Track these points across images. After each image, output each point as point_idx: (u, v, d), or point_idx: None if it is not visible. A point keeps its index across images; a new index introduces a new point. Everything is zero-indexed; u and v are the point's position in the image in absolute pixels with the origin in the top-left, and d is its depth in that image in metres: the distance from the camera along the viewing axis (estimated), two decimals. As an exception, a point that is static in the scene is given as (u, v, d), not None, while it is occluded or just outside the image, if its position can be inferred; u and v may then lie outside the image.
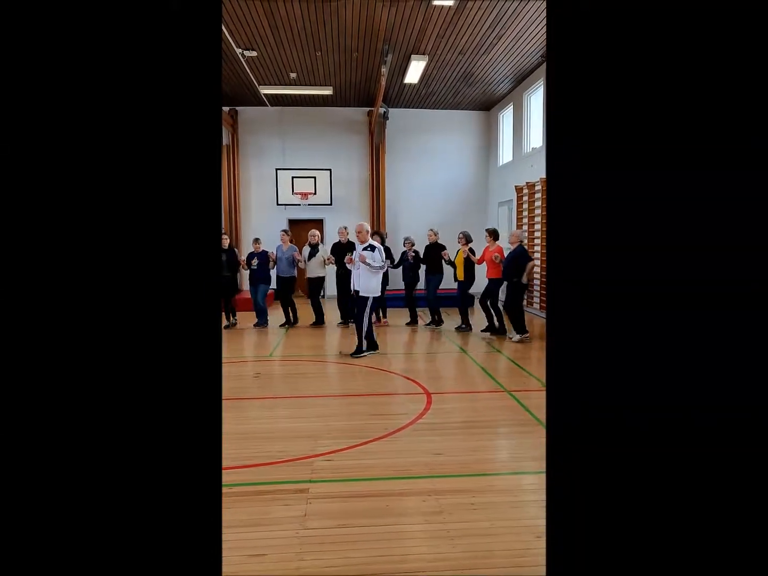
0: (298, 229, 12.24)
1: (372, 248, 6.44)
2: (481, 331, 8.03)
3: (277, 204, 12.53)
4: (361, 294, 6.46)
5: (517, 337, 7.37)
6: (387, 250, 8.65)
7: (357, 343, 6.55)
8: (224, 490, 2.93)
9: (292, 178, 12.39)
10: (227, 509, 2.71)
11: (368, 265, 6.35)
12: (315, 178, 12.43)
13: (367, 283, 6.42)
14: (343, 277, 8.33)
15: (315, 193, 12.43)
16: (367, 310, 6.43)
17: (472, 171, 13.39)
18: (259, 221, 12.55)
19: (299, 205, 12.48)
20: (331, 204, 12.57)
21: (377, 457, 3.40)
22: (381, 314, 8.94)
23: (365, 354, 6.50)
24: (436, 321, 8.64)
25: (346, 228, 8.76)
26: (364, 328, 6.47)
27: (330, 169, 12.55)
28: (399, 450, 3.51)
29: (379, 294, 6.69)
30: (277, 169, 12.45)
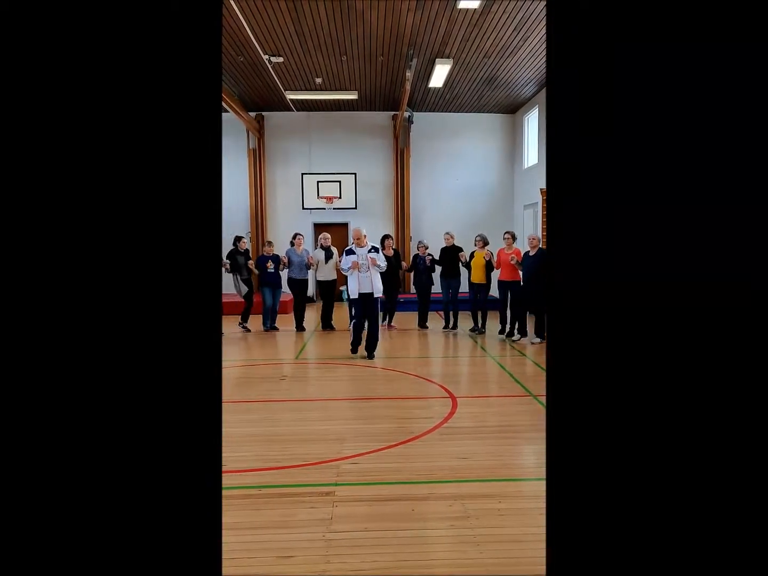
0: (323, 232, 12.29)
1: (376, 250, 6.56)
2: (499, 333, 8.02)
3: (303, 208, 12.63)
4: (375, 296, 6.53)
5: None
6: (396, 254, 8.69)
7: (372, 345, 6.63)
8: (252, 491, 2.97)
9: (318, 182, 12.47)
10: (255, 511, 2.75)
11: (378, 266, 6.44)
12: (340, 182, 12.50)
13: (379, 284, 6.54)
14: None
15: (340, 197, 12.49)
16: (379, 310, 6.59)
17: (497, 174, 13.31)
18: (284, 225, 12.63)
19: (324, 209, 12.56)
20: (356, 208, 12.62)
21: (403, 460, 3.40)
22: (388, 319, 8.92)
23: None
24: (455, 324, 8.57)
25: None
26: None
27: (355, 173, 12.60)
28: (425, 454, 3.50)
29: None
30: (303, 174, 12.55)
